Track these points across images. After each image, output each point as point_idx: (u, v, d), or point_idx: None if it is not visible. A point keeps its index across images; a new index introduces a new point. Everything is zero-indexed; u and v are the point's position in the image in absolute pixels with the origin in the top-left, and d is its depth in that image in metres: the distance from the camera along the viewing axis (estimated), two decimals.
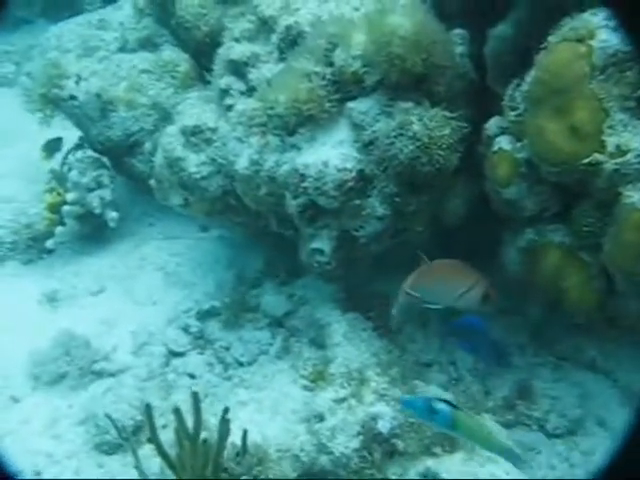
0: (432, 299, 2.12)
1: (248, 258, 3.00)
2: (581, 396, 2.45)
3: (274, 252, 2.94)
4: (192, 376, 2.59)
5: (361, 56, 2.06)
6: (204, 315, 2.78)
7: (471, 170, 2.19)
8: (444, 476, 1.84)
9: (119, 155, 3.06)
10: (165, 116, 2.93)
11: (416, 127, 2.00)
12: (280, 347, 2.63)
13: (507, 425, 2.25)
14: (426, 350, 2.60)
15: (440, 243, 2.46)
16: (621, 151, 1.78)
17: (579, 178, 1.87)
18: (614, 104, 1.80)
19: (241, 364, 2.62)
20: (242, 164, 2.20)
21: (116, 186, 3.26)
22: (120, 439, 2.12)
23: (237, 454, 1.72)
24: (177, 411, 1.65)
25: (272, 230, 2.48)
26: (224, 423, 1.63)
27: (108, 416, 2.02)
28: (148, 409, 1.71)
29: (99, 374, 2.57)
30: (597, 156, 1.80)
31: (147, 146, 3.00)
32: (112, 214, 3.09)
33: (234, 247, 3.09)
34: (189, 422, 1.79)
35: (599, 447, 2.32)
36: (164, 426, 2.30)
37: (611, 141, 1.79)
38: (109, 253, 3.20)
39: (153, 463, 2.00)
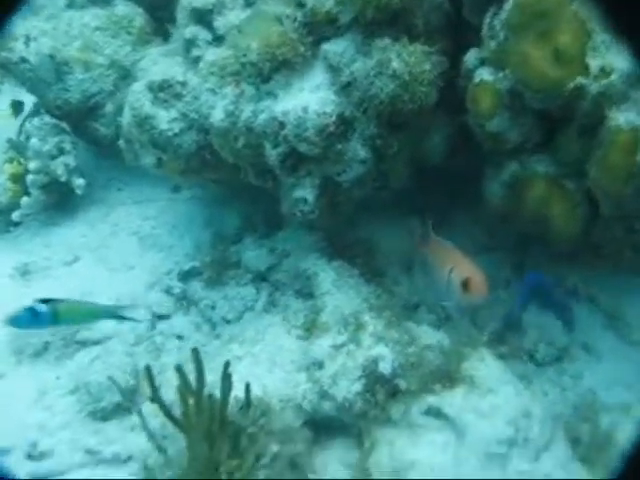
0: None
1: (224, 215, 2.95)
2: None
3: (251, 207, 2.90)
4: (180, 337, 2.56)
5: None
6: (185, 276, 2.74)
7: (450, 105, 2.16)
8: (447, 410, 1.85)
9: (79, 119, 2.95)
10: (125, 75, 2.83)
11: (395, 64, 1.96)
12: (266, 301, 2.61)
13: (499, 358, 2.26)
14: (412, 292, 2.59)
15: (421, 182, 2.43)
16: (605, 73, 1.78)
17: (564, 103, 1.85)
18: (596, 24, 1.77)
19: (228, 321, 2.60)
20: (217, 116, 2.14)
21: (79, 152, 3.15)
22: (124, 401, 2.07)
23: (241, 407, 1.69)
24: (179, 368, 1.62)
25: (249, 184, 2.43)
26: (226, 377, 1.60)
27: (111, 379, 1.98)
28: (148, 370, 1.67)
29: (83, 343, 2.53)
30: (581, 80, 1.78)
31: (108, 108, 2.90)
32: (78, 181, 3.00)
33: (209, 206, 3.03)
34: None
35: (586, 370, 2.37)
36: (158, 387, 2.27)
37: (595, 63, 1.79)
38: (79, 222, 3.12)
39: (153, 423, 1.97)
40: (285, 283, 2.61)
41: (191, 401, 1.58)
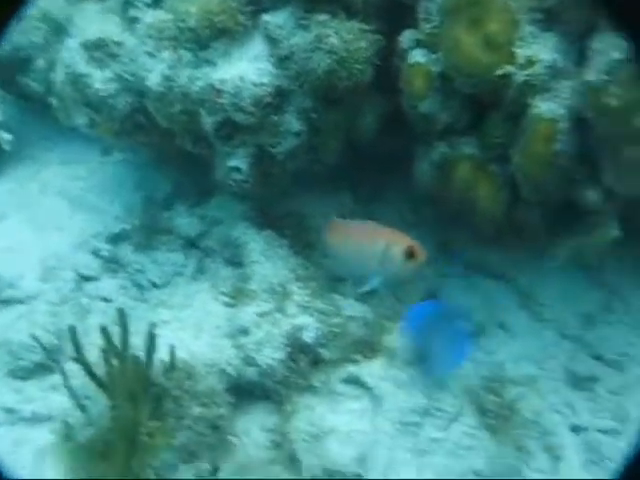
0: (349, 267, 2.10)
1: (156, 180, 2.93)
2: (484, 302, 2.59)
3: (183, 173, 2.89)
4: (106, 300, 2.55)
5: None
6: (114, 238, 2.72)
7: (384, 84, 2.21)
8: (366, 380, 1.92)
9: (7, 73, 2.86)
10: (58, 29, 2.75)
11: (333, 40, 1.99)
12: (195, 268, 2.62)
13: None
14: None
15: (354, 158, 2.48)
16: (531, 62, 1.85)
17: (492, 89, 1.93)
18: (524, 16, 1.85)
19: (156, 286, 2.60)
20: (154, 80, 2.13)
21: (7, 106, 3.07)
22: (48, 360, 2.07)
23: (166, 370, 1.72)
24: (104, 330, 1.63)
25: (181, 150, 2.42)
26: (151, 338, 1.63)
27: (34, 337, 1.97)
28: (72, 330, 1.68)
29: (6, 302, 2.49)
30: (508, 67, 1.85)
31: (40, 63, 2.82)
32: (6, 136, 2.93)
33: (140, 169, 3.00)
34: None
35: (500, 346, 2.48)
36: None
37: (521, 53, 1.86)
38: (6, 179, 3.04)
39: (74, 383, 1.98)
40: (215, 250, 2.63)
41: (115, 362, 1.59)
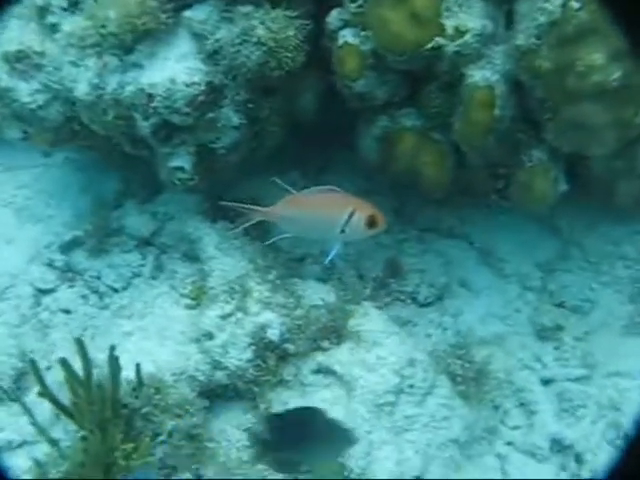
0: (308, 233, 2.10)
1: (102, 180, 2.87)
2: (444, 263, 2.61)
3: (128, 170, 2.82)
4: (67, 311, 2.52)
5: None
6: (67, 247, 2.66)
7: (317, 64, 2.18)
8: (335, 368, 1.94)
9: None
10: None
11: (260, 31, 1.94)
12: (153, 266, 2.59)
13: (385, 304, 2.38)
14: (297, 244, 2.64)
15: (297, 136, 2.45)
16: (459, 32, 1.84)
17: (425, 63, 1.91)
18: None
19: (116, 290, 2.57)
20: (82, 90, 2.06)
21: None
22: (9, 394, 2.04)
23: (134, 389, 1.71)
24: (64, 362, 1.61)
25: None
26: (113, 360, 1.61)
27: None
28: (33, 364, 1.66)
29: None
30: (438, 40, 1.83)
31: None
32: None
33: (84, 170, 2.93)
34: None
35: (465, 306, 2.51)
36: (48, 368, 2.25)
37: (449, 24, 1.85)
38: None
39: (43, 409, 1.96)
40: (171, 246, 2.60)
41: (81, 391, 1.57)
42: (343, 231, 2.05)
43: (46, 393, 1.63)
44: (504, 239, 2.64)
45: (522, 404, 2.24)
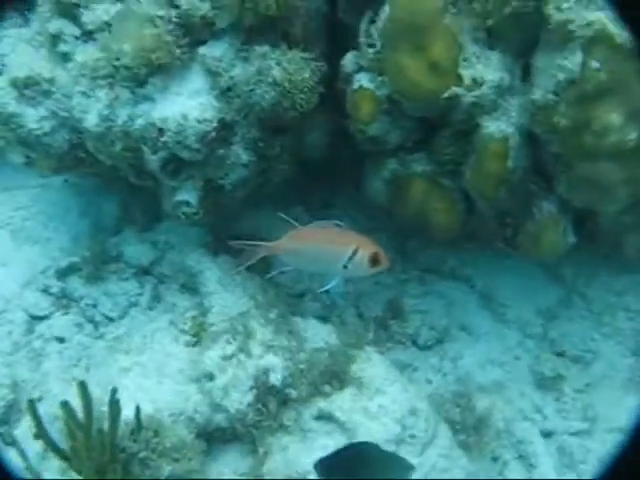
0: (311, 267, 2.08)
1: (101, 204, 2.83)
2: (445, 306, 2.59)
3: (129, 196, 2.79)
4: (61, 340, 2.47)
5: None
6: (63, 272, 2.61)
7: (330, 103, 2.16)
8: (337, 415, 1.91)
9: None
10: None
11: (275, 72, 1.93)
12: (150, 296, 2.55)
13: (386, 348, 2.35)
14: (297, 280, 2.61)
15: (303, 172, 2.44)
16: (477, 83, 1.83)
17: (440, 111, 1.90)
18: (467, 37, 1.82)
19: (111, 319, 2.53)
20: (92, 121, 2.03)
21: None
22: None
23: (132, 432, 1.67)
24: (66, 405, 1.57)
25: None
26: (114, 403, 1.57)
27: None
28: (31, 405, 1.61)
29: None
30: (455, 89, 1.83)
31: None
32: None
33: (84, 194, 2.89)
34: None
35: (465, 350, 2.49)
36: (40, 399, 2.21)
37: (467, 74, 1.84)
38: None
39: (33, 444, 1.92)
40: (169, 276, 2.56)
41: (80, 435, 1.53)
42: (345, 267, 2.02)
43: (42, 435, 1.58)
44: (506, 283, 2.63)
45: (521, 456, 2.21)
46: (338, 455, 1.74)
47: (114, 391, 1.60)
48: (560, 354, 2.47)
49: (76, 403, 1.80)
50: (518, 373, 2.42)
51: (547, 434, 2.28)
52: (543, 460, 2.21)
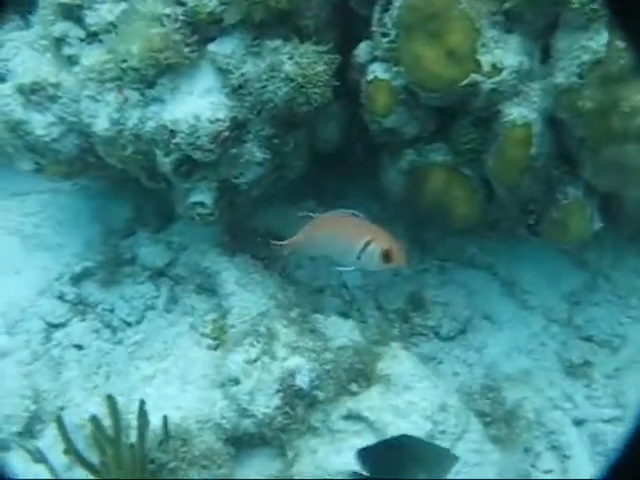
0: (327, 254, 2.04)
1: (113, 207, 2.79)
2: (467, 295, 2.54)
3: (140, 197, 2.75)
4: (79, 347, 2.44)
5: None
6: (77, 278, 2.58)
7: (343, 95, 2.11)
8: (366, 414, 1.87)
9: None
10: None
11: (288, 67, 1.87)
12: (167, 298, 2.51)
13: (411, 342, 2.31)
14: (316, 275, 2.57)
15: (316, 165, 2.39)
16: (496, 69, 1.78)
17: (459, 99, 1.84)
18: (484, 21, 1.76)
19: (129, 324, 2.49)
20: (102, 125, 1.99)
21: None
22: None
23: (160, 442, 1.63)
24: (94, 419, 1.53)
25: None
26: (142, 416, 1.54)
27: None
28: (59, 421, 1.58)
29: None
30: (474, 76, 1.77)
31: None
32: None
33: (95, 197, 2.85)
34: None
35: (489, 339, 2.44)
36: (61, 408, 2.18)
37: (486, 60, 1.79)
38: None
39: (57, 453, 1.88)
40: (185, 277, 2.53)
41: (109, 450, 1.50)
42: (359, 258, 1.97)
43: (72, 450, 1.55)
44: (528, 269, 2.58)
45: (554, 447, 2.17)
46: (382, 445, 1.69)
47: (142, 403, 1.55)
48: (587, 339, 2.41)
49: (100, 412, 1.78)
50: (545, 360, 2.38)
51: (579, 422, 2.24)
52: (577, 450, 2.17)
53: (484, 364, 2.36)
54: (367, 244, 1.93)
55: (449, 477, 1.78)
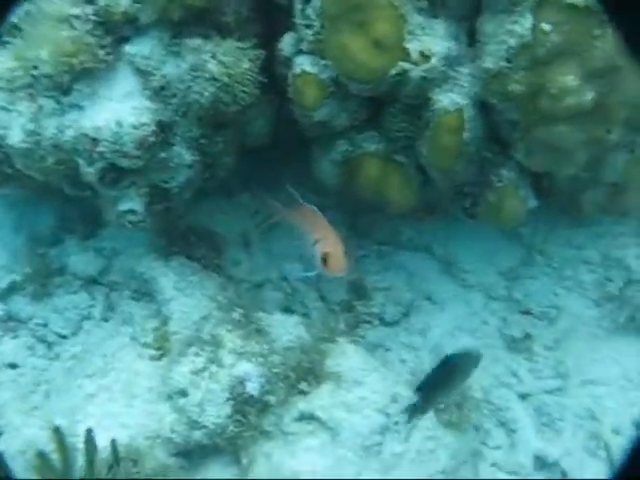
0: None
1: (36, 215, 2.66)
2: (407, 278, 2.54)
3: (65, 203, 2.63)
4: (13, 366, 2.33)
5: None
6: (6, 293, 2.46)
7: (269, 88, 2.05)
8: (318, 413, 1.85)
9: None
10: None
11: (212, 67, 1.80)
12: (103, 307, 2.42)
13: (357, 333, 2.30)
14: (254, 269, 2.53)
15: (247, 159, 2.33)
16: (425, 56, 1.76)
17: (388, 89, 1.82)
18: (408, 8, 1.73)
19: (65, 337, 2.39)
20: (16, 137, 1.87)
21: None
22: None
23: (110, 467, 1.57)
24: (41, 455, 1.46)
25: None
26: (90, 442, 1.48)
27: None
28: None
29: None
30: (403, 65, 1.75)
31: None
32: None
33: (16, 205, 2.71)
34: None
35: (432, 321, 2.46)
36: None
37: (413, 47, 1.76)
38: None
39: None
40: (120, 283, 2.44)
41: None
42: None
43: None
44: (465, 248, 2.60)
45: (502, 423, 2.21)
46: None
47: (89, 431, 1.49)
48: (526, 313, 2.45)
49: (41, 436, 1.71)
50: (488, 338, 2.41)
51: (523, 396, 2.27)
52: (522, 424, 2.21)
53: (429, 347, 2.36)
54: (315, 244, 1.90)
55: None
